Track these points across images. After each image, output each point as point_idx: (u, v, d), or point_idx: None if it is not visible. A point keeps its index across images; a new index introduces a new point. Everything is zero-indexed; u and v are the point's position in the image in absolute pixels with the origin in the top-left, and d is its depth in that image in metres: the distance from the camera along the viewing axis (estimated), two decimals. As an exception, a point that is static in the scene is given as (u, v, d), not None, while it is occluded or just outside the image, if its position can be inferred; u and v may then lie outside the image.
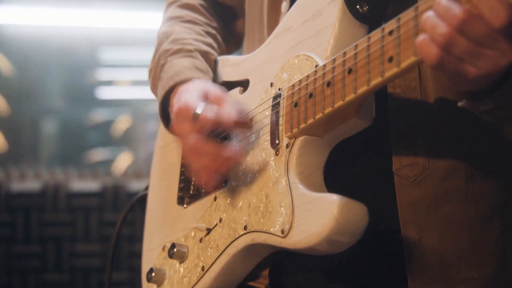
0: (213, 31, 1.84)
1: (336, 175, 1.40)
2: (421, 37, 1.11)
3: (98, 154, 5.76)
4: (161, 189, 1.81)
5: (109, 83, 6.16)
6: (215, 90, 1.52)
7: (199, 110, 1.44)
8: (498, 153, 1.45)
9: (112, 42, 6.08)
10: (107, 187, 4.41)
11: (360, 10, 1.36)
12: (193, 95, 1.50)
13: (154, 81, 1.72)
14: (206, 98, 1.50)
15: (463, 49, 1.10)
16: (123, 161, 5.66)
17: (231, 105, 1.46)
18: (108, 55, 6.21)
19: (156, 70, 1.71)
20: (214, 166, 1.46)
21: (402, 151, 1.39)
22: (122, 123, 5.91)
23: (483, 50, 1.10)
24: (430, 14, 1.12)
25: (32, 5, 5.76)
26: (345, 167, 1.44)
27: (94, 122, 5.91)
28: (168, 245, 1.63)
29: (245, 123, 1.45)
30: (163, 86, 1.62)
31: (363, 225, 1.25)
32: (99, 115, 5.92)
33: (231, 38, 1.94)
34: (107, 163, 5.59)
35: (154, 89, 1.73)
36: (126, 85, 6.20)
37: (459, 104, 1.25)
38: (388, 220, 1.40)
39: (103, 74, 6.11)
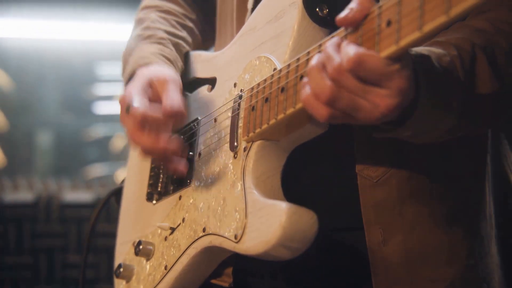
0: (190, 24, 1.83)
1: (298, 179, 1.40)
2: (306, 91, 1.13)
3: (96, 170, 5.77)
4: (135, 183, 1.80)
5: (107, 98, 6.18)
6: (161, 77, 1.51)
7: (133, 104, 1.45)
8: (462, 154, 1.44)
9: (110, 56, 6.09)
10: (100, 198, 4.41)
11: (320, 14, 1.33)
12: (137, 86, 1.50)
13: (124, 65, 1.72)
14: (150, 86, 1.50)
15: (346, 102, 1.10)
16: (121, 176, 5.67)
17: (171, 95, 1.46)
18: (106, 69, 6.22)
19: (126, 55, 1.71)
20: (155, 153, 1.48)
21: (365, 154, 1.38)
22: (120, 139, 5.93)
23: (360, 101, 1.10)
24: (313, 66, 1.12)
25: (29, 18, 5.78)
26: (307, 170, 1.43)
27: (92, 138, 5.93)
28: (136, 242, 1.62)
29: (176, 114, 1.44)
30: (128, 70, 1.62)
31: (312, 233, 1.22)
32: (97, 131, 5.94)
33: (210, 32, 1.91)
34: (105, 179, 5.58)
35: (123, 74, 1.73)
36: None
37: (374, 135, 1.26)
38: (352, 221, 1.39)
39: (101, 89, 6.13)
